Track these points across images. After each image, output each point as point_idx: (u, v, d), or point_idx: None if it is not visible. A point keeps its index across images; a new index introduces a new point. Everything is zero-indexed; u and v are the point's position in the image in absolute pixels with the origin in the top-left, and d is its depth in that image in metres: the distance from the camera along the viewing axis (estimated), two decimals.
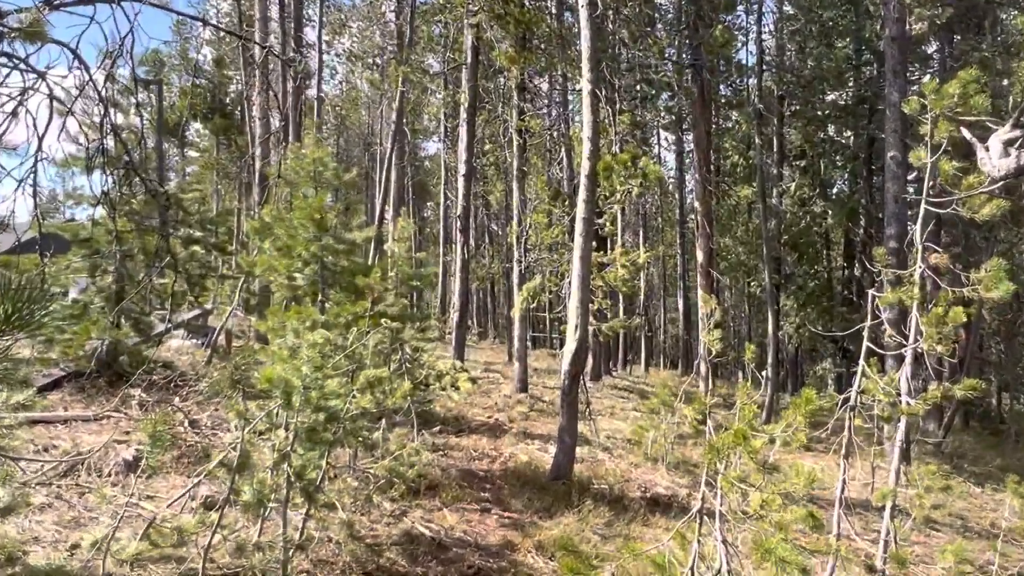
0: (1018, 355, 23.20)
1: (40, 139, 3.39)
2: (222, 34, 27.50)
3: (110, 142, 4.42)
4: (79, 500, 6.03)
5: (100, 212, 9.62)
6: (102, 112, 4.06)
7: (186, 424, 8.12)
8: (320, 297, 8.88)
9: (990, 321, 22.00)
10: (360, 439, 6.43)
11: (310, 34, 37.79)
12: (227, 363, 9.16)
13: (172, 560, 4.91)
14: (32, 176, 3.44)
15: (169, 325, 9.79)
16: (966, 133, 9.50)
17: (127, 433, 7.51)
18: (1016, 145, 8.39)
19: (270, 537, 5.75)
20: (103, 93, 3.97)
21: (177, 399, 8.89)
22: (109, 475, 6.56)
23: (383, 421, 8.03)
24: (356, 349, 6.75)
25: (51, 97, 3.50)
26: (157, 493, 6.46)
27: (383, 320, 8.20)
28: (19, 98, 3.26)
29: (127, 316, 9.37)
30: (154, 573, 4.76)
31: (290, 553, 5.26)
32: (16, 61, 3.22)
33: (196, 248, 9.83)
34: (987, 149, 8.56)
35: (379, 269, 8.92)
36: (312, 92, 27.36)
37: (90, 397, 8.54)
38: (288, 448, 5.41)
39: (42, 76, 3.44)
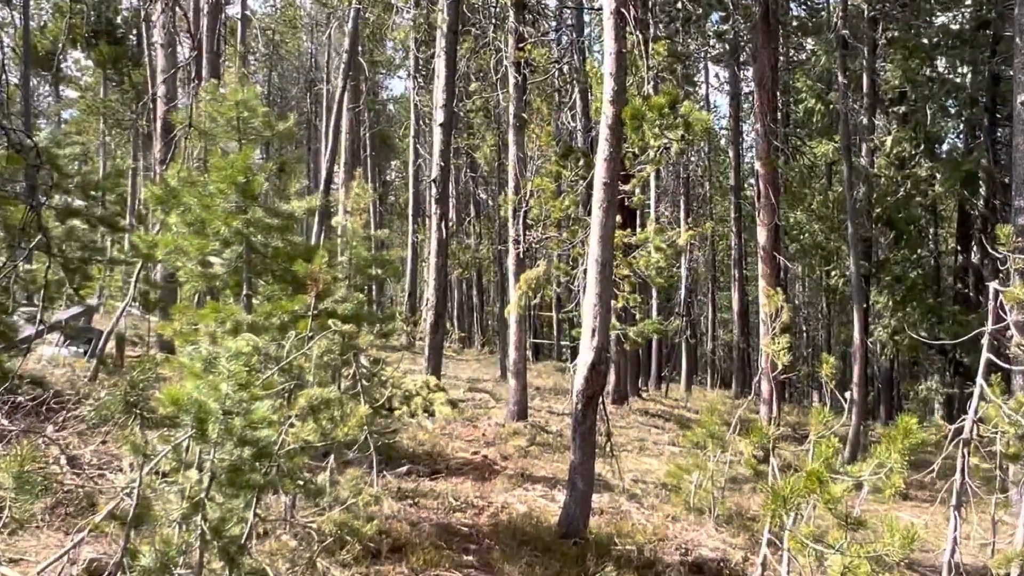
0: None
1: None
2: None
3: None
4: None
5: None
6: None
7: (63, 462, 8.05)
8: (245, 290, 8.92)
9: None
10: (300, 483, 6.50)
11: None
12: (119, 379, 9.18)
13: None
14: None
15: (40, 327, 9.59)
16: None
17: None
18: None
19: None
20: None
21: (51, 428, 8.81)
22: None
23: (331, 458, 8.01)
24: (294, 361, 6.91)
25: None
26: (24, 554, 6.42)
27: (331, 322, 8.19)
28: None
29: None
30: None
31: None
32: None
33: (76, 223, 9.77)
34: None
35: (326, 252, 8.99)
36: (235, 10, 27.30)
37: None
38: (202, 495, 5.45)
39: None
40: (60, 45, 28.10)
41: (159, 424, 5.58)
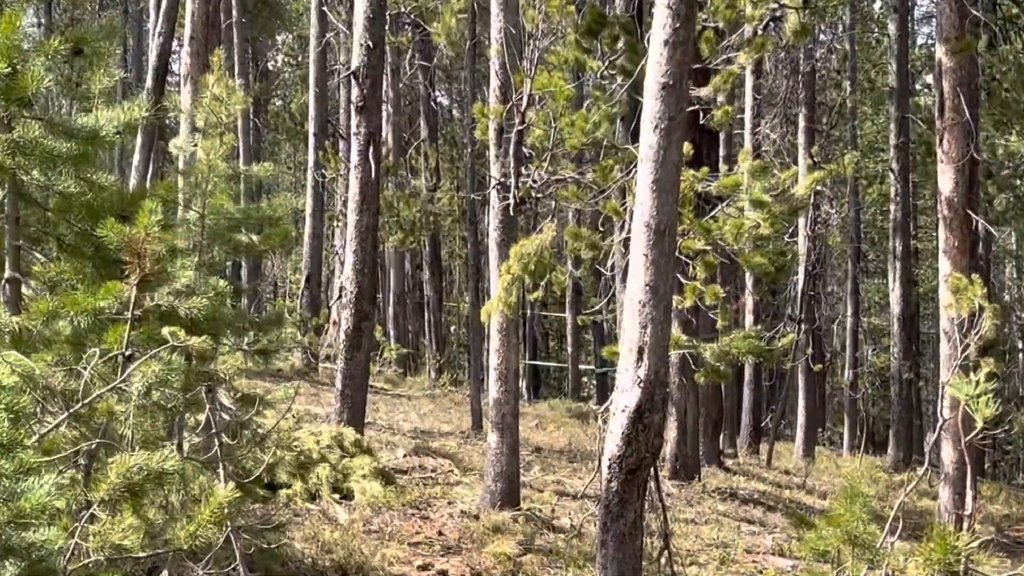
0: None
1: None
2: None
3: None
4: None
5: None
6: None
7: None
8: (8, 270, 7.93)
9: None
10: None
11: None
12: None
13: None
14: None
15: None
16: None
17: None
18: None
19: None
20: None
21: None
22: None
23: None
24: (100, 402, 6.13)
25: None
26: None
27: (167, 330, 6.90)
28: None
29: None
30: None
31: None
32: None
33: None
34: None
35: (158, 202, 7.40)
36: None
37: None
38: None
39: None
40: None
41: None
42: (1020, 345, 30.93)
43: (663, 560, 8.94)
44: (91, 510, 5.50)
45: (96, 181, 7.70)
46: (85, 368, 6.04)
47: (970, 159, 13.63)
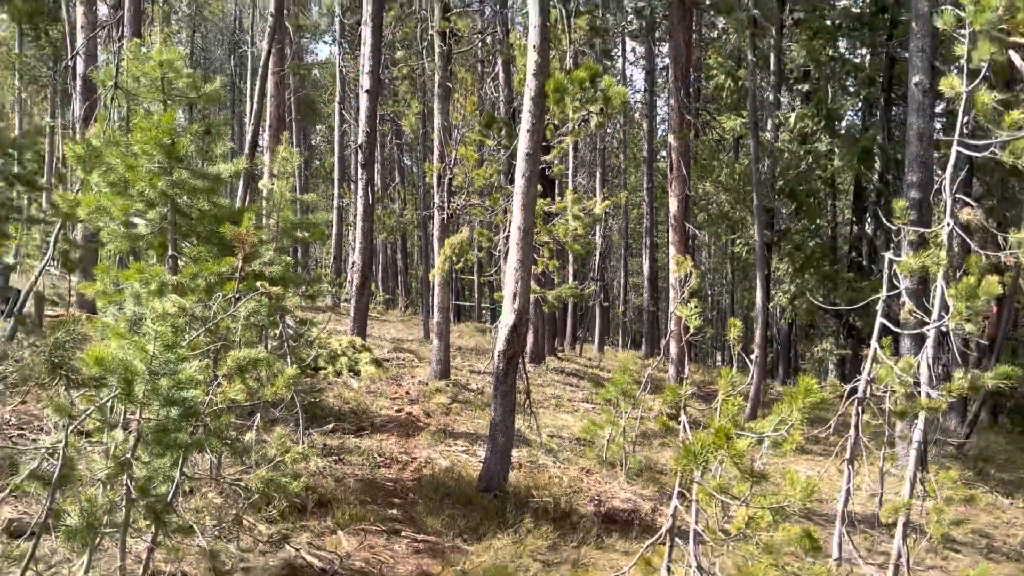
0: None
1: None
2: None
3: None
4: None
5: None
6: None
7: None
8: (170, 251, 8.63)
9: None
10: (227, 441, 6.47)
11: None
12: (40, 339, 8.93)
13: None
14: None
15: None
16: (1015, 57, 9.91)
17: None
18: None
19: (102, 573, 5.65)
20: None
21: None
22: None
23: (257, 417, 8.10)
24: (221, 322, 6.72)
25: None
26: None
27: (258, 283, 7.93)
28: None
29: None
30: None
31: None
32: None
33: None
34: None
35: (252, 214, 8.62)
36: None
37: None
38: (128, 454, 5.32)
39: None
40: None
41: (83, 384, 5.79)
42: (709, 292, 42.57)
43: (527, 405, 11.14)
44: (217, 380, 6.12)
45: (218, 202, 8.75)
46: (213, 304, 6.78)
47: (685, 195, 17.17)
